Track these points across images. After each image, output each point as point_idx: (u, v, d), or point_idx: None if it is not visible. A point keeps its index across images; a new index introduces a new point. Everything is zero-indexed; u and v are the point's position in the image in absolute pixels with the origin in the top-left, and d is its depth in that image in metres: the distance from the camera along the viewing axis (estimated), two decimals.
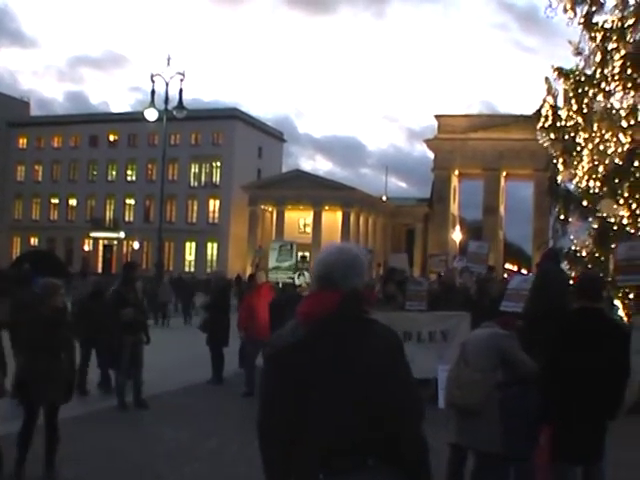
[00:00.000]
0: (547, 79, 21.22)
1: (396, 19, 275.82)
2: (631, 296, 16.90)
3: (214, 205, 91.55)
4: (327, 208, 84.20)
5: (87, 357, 15.02)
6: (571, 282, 12.47)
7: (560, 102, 21.11)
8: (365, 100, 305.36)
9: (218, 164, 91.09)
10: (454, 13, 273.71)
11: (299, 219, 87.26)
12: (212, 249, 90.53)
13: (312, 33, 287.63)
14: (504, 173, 79.72)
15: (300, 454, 3.17)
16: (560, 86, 21.07)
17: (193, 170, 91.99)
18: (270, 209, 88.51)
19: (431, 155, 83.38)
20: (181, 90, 35.48)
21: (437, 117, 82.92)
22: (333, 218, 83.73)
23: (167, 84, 36.13)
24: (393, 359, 3.26)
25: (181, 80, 35.79)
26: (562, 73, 20.88)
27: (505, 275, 38.02)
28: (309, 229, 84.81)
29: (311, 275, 3.55)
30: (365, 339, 3.22)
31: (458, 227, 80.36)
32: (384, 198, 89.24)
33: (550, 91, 21.31)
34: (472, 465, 7.23)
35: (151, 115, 35.18)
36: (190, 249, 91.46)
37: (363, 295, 3.39)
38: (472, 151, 76.28)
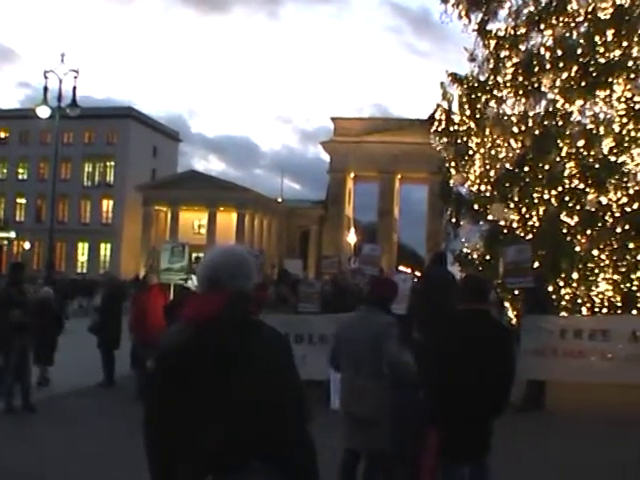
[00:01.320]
0: (442, 84, 21.59)
1: (290, 20, 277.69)
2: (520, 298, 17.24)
3: (107, 205, 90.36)
4: (222, 209, 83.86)
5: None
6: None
7: (455, 107, 21.50)
8: (258, 100, 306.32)
9: (112, 163, 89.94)
10: (348, 15, 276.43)
11: (194, 220, 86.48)
12: (105, 250, 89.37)
13: (205, 32, 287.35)
14: (399, 176, 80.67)
15: (186, 455, 3.12)
16: (455, 91, 21.47)
17: (86, 169, 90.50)
18: (164, 210, 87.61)
19: (326, 157, 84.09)
20: (75, 88, 34.79)
21: (333, 120, 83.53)
22: (228, 219, 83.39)
23: (61, 81, 35.36)
24: (280, 361, 3.24)
25: (75, 77, 35.12)
26: (456, 78, 21.28)
27: None
28: (204, 230, 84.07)
29: (197, 277, 3.49)
30: (251, 341, 3.18)
31: (353, 229, 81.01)
32: (279, 199, 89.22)
33: (445, 96, 21.70)
34: (363, 466, 7.26)
35: (43, 112, 34.43)
36: (83, 250, 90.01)
37: (250, 296, 3.36)
38: (367, 154, 76.80)
